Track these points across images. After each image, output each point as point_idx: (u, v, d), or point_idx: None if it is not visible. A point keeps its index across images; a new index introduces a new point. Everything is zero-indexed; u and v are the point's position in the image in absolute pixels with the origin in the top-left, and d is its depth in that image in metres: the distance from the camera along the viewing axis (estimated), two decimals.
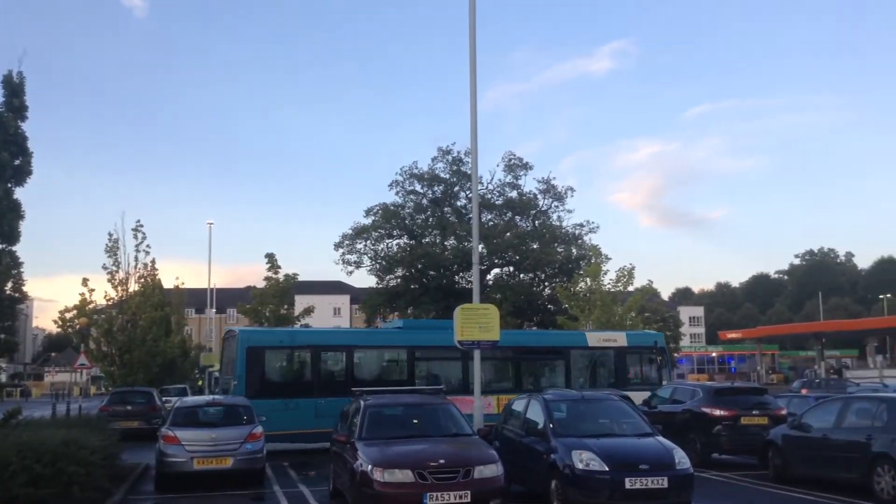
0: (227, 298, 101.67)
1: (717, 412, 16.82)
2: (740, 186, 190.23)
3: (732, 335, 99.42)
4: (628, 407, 12.94)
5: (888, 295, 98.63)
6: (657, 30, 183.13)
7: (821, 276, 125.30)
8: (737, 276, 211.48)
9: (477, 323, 16.95)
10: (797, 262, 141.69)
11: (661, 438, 11.66)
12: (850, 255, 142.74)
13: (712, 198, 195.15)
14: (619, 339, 25.71)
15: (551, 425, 11.86)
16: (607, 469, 10.60)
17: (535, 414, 12.58)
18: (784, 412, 16.82)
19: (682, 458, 10.94)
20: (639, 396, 19.46)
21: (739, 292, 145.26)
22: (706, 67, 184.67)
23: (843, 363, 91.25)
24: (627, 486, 10.46)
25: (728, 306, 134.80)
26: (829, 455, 13.57)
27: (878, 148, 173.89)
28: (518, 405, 13.72)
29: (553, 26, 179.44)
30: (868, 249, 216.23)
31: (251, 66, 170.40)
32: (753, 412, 16.86)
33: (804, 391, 34.35)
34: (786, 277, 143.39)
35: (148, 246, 34.38)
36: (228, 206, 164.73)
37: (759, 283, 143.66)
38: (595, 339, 25.66)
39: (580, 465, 10.74)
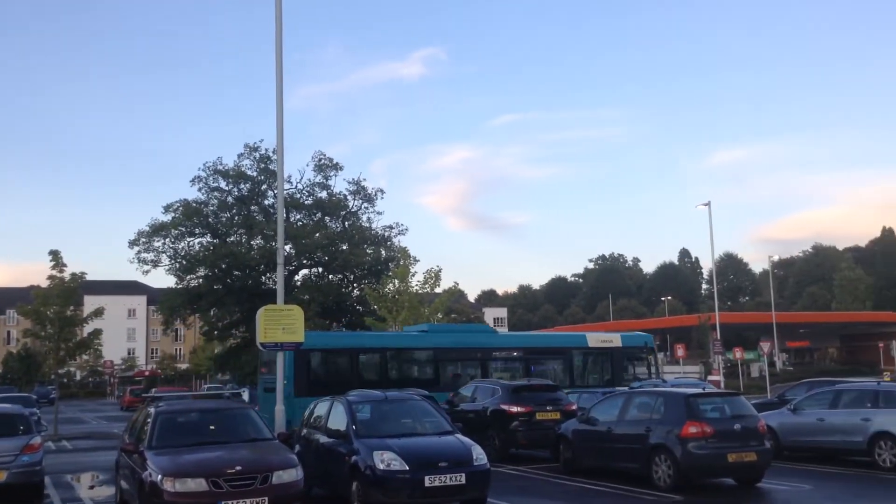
0: (6, 298, 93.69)
1: (515, 409, 17.52)
2: (542, 193, 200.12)
3: None
4: (430, 406, 13.13)
5: (669, 297, 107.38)
6: (467, 39, 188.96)
7: (611, 278, 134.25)
8: (538, 279, 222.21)
9: (280, 325, 16.54)
10: (591, 266, 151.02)
11: (460, 436, 11.93)
12: (636, 260, 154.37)
13: (517, 203, 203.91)
14: (615, 340, 27.78)
15: (354, 427, 11.81)
16: (408, 468, 10.71)
17: (338, 416, 12.47)
18: (574, 407, 17.77)
19: (479, 455, 11.25)
20: None
21: (540, 294, 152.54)
22: (511, 79, 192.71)
23: None
24: (427, 484, 10.63)
25: (529, 307, 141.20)
26: (613, 447, 14.49)
27: (661, 162, 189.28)
28: (321, 408, 13.54)
29: (366, 27, 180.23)
30: (653, 255, 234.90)
31: (46, 53, 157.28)
32: (547, 408, 17.71)
33: None
34: (581, 280, 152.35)
35: None
36: (8, 198, 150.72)
37: (558, 286, 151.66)
38: (594, 340, 27.73)
39: (381, 466, 10.78)
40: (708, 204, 47.21)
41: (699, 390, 15.01)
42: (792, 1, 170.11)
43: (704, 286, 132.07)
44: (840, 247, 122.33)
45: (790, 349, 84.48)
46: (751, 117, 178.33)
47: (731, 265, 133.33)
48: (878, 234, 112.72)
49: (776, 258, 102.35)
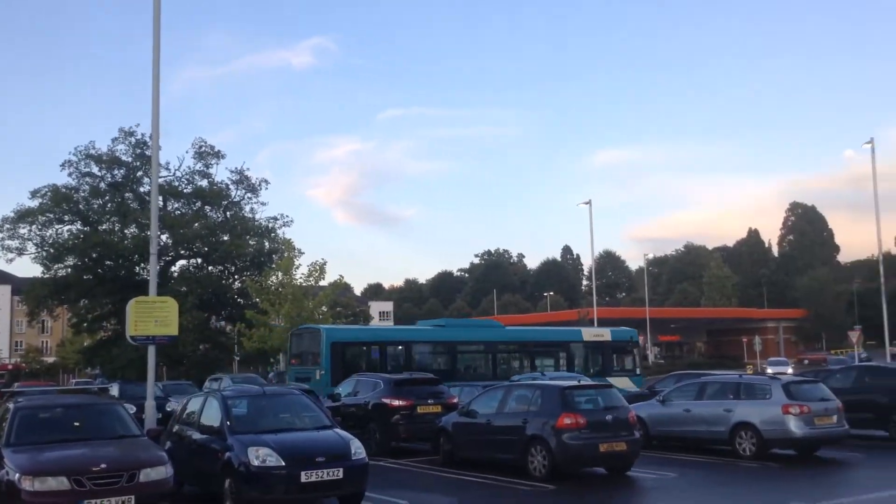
0: None
1: (396, 402, 17.50)
2: (429, 188, 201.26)
3: None
4: (309, 401, 12.93)
5: (552, 293, 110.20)
6: (357, 30, 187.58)
7: (496, 274, 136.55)
8: (424, 273, 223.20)
9: (153, 317, 15.91)
10: (477, 261, 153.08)
11: (339, 430, 11.81)
12: (521, 255, 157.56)
13: (404, 197, 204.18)
14: (605, 334, 30.73)
15: (228, 423, 11.48)
16: (284, 464, 10.51)
17: (212, 412, 12.10)
18: (455, 400, 17.93)
19: (358, 449, 11.16)
20: (619, 382, 23.03)
21: (426, 288, 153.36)
22: (401, 73, 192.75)
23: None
24: (303, 479, 10.46)
25: (415, 301, 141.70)
26: (491, 438, 14.72)
27: (546, 160, 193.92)
28: (194, 403, 13.10)
29: (255, 12, 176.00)
30: (536, 251, 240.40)
31: None
32: (429, 401, 17.78)
33: None
34: (467, 275, 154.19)
35: None
36: None
37: (444, 280, 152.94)
38: (588, 334, 30.81)
39: (256, 462, 10.54)
40: (589, 202, 48.76)
41: (574, 383, 15.40)
42: (674, 11, 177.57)
43: (585, 282, 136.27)
44: (710, 246, 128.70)
45: (662, 343, 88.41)
46: (632, 120, 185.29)
47: (609, 262, 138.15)
48: (744, 234, 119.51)
49: (651, 256, 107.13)
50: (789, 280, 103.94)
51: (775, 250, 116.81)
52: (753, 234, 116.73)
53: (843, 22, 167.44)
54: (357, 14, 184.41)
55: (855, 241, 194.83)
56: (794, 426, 15.42)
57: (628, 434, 13.92)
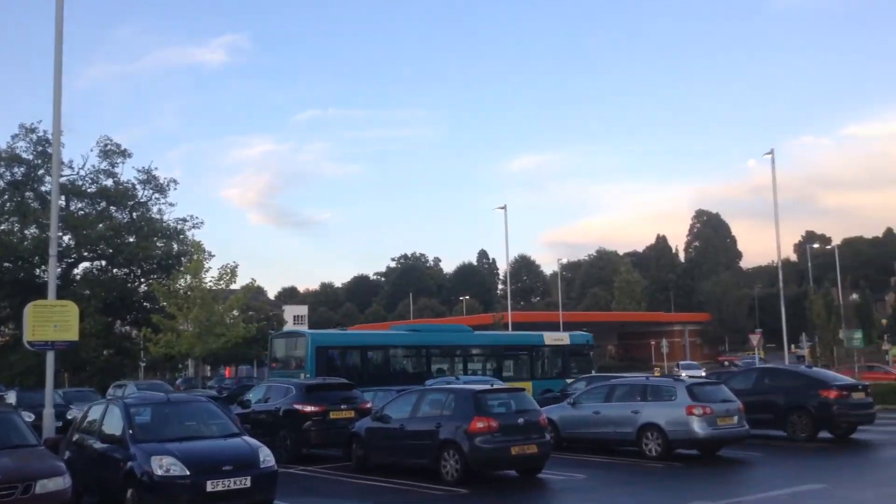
0: None
1: (308, 408, 17.23)
2: (346, 191, 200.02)
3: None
4: (217, 408, 12.62)
5: (468, 297, 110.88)
6: (271, 28, 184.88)
7: (413, 278, 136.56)
8: (340, 277, 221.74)
9: (52, 322, 15.23)
10: (393, 264, 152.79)
11: (247, 438, 11.57)
12: (437, 259, 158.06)
13: (321, 200, 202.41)
14: (565, 338, 33.10)
15: (130, 431, 11.14)
16: (188, 473, 10.27)
17: (114, 420, 11.72)
18: (369, 405, 17.78)
19: (266, 457, 10.96)
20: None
21: (342, 292, 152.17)
22: (316, 73, 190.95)
23: None
24: (209, 488, 10.24)
25: (331, 305, 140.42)
26: (404, 443, 14.66)
27: (463, 164, 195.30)
28: (95, 411, 12.64)
29: (165, 7, 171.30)
30: (453, 255, 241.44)
31: None
32: (342, 406, 17.57)
33: None
34: (383, 279, 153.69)
35: None
36: None
37: (360, 284, 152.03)
38: (549, 338, 32.76)
39: (159, 472, 10.28)
40: (504, 207, 49.17)
41: (487, 387, 15.50)
42: (590, 19, 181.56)
43: (500, 286, 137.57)
44: (621, 251, 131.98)
45: None
46: (548, 127, 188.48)
47: (524, 267, 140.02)
48: (653, 240, 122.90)
49: (565, 261, 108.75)
50: (695, 285, 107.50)
51: (682, 256, 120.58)
52: (661, 240, 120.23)
53: (748, 40, 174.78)
54: (272, 12, 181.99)
55: (756, 247, 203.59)
56: (698, 427, 15.91)
57: (539, 437, 14.09)
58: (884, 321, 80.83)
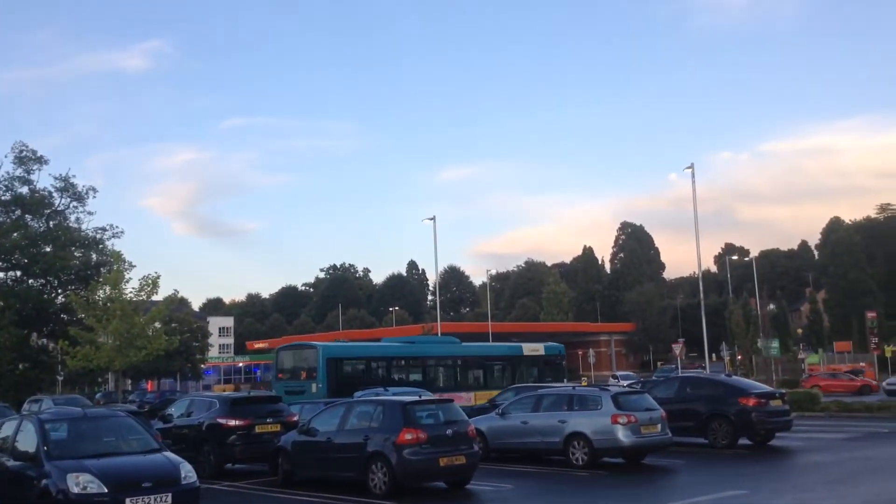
0: None
1: (232, 422, 16.83)
2: (274, 201, 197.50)
3: (259, 345, 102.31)
4: (136, 423, 12.22)
5: (397, 308, 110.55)
6: (196, 35, 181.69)
7: (342, 289, 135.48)
8: (267, 288, 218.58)
9: None
10: (322, 275, 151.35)
11: (168, 454, 11.26)
12: (367, 270, 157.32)
13: (247, 210, 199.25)
14: (540, 349, 35.01)
15: (45, 448, 10.72)
16: (106, 490, 9.95)
17: (28, 436, 11.27)
18: (296, 419, 17.48)
19: (188, 473, 10.69)
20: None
21: (269, 303, 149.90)
22: (241, 81, 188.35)
23: None
24: None
25: (258, 316, 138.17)
26: (332, 457, 14.46)
27: (392, 176, 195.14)
28: (8, 428, 12.10)
29: (84, 11, 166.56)
30: (383, 266, 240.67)
31: None
32: (267, 420, 17.23)
33: None
34: (311, 290, 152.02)
35: None
36: None
37: (288, 295, 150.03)
38: (527, 349, 34.90)
39: (76, 489, 9.92)
40: (433, 218, 49.29)
41: (415, 398, 15.42)
42: (519, 34, 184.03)
43: (430, 297, 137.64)
44: (549, 263, 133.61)
45: None
46: (477, 139, 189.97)
47: (454, 278, 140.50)
48: (579, 252, 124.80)
49: (494, 272, 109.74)
50: (620, 295, 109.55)
51: (608, 267, 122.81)
52: (588, 252, 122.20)
53: (670, 59, 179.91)
54: (196, 18, 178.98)
55: (679, 258, 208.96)
56: (623, 435, 16.16)
57: (468, 447, 14.09)
58: (799, 330, 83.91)
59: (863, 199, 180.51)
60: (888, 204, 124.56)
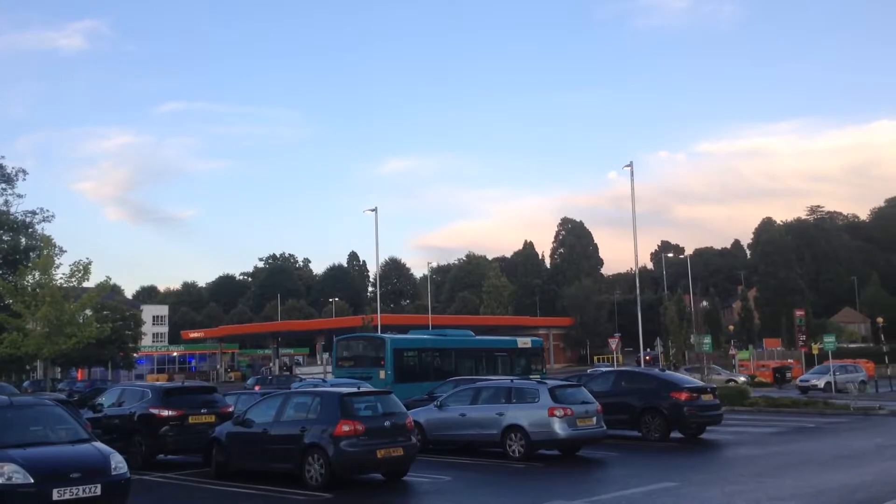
0: None
1: (165, 413, 16.51)
2: (212, 188, 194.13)
3: (195, 334, 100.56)
4: (65, 412, 11.87)
5: (337, 298, 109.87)
6: (134, 16, 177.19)
7: (281, 279, 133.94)
8: (204, 276, 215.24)
9: None
10: (261, 265, 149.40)
11: (97, 444, 10.99)
12: (307, 260, 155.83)
13: (184, 197, 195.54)
14: (527, 342, 38.92)
15: None
16: (32, 481, 9.66)
17: None
18: (231, 409, 17.22)
19: (118, 463, 10.45)
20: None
21: (205, 292, 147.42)
22: (180, 64, 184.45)
23: (296, 360, 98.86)
24: (55, 497, 9.67)
25: (194, 305, 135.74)
26: (268, 448, 14.28)
27: (334, 165, 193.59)
28: None
29: None
30: (323, 256, 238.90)
31: None
32: (202, 411, 16.94)
33: (257, 388, 36.16)
34: (250, 279, 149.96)
35: None
36: None
37: (225, 284, 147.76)
38: (520, 342, 38.72)
39: (0, 480, 9.53)
40: (375, 210, 49.10)
41: (354, 390, 15.34)
42: (464, 29, 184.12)
43: (370, 289, 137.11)
44: (489, 256, 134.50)
45: None
46: (419, 131, 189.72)
47: (395, 269, 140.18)
48: (520, 246, 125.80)
49: (435, 265, 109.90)
50: (559, 290, 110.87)
51: (548, 262, 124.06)
52: (529, 247, 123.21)
53: (612, 59, 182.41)
54: None
55: (616, 255, 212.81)
56: (559, 428, 16.37)
57: (405, 439, 14.07)
58: (731, 327, 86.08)
59: (794, 201, 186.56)
60: (818, 206, 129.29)
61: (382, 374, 30.34)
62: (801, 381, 41.92)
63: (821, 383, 40.01)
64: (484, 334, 45.86)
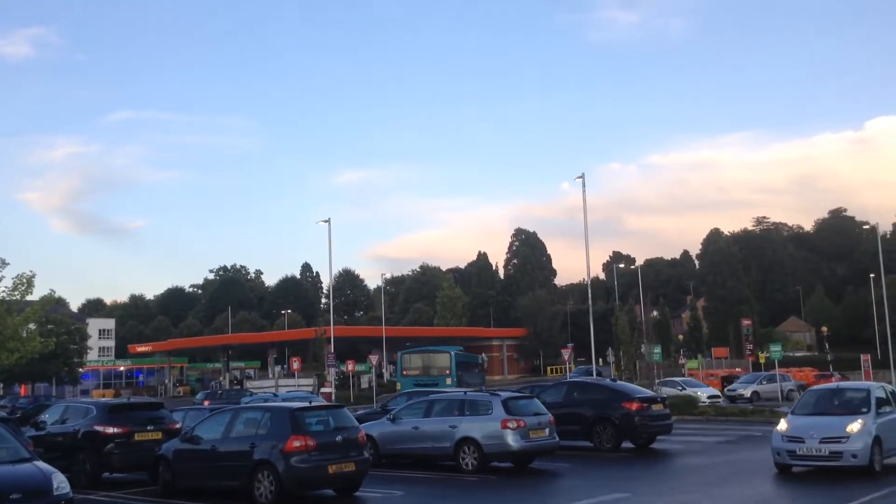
0: None
1: (111, 430, 16.07)
2: (161, 198, 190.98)
3: (143, 348, 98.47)
4: (4, 430, 11.50)
5: (289, 311, 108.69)
6: (82, 24, 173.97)
7: (232, 290, 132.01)
8: (153, 289, 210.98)
9: None
10: (211, 276, 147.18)
11: (39, 463, 10.66)
12: (259, 272, 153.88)
13: (132, 207, 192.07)
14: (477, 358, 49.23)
15: None
16: None
17: None
18: (178, 426, 16.87)
19: (60, 483, 10.16)
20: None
21: (154, 305, 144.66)
22: (129, 73, 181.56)
23: (247, 374, 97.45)
24: None
25: (141, 318, 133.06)
26: (216, 465, 14.02)
27: (287, 176, 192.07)
28: None
29: None
30: (276, 268, 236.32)
31: None
32: (148, 427, 16.55)
33: (206, 403, 35.46)
34: (200, 291, 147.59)
35: None
36: None
37: (174, 296, 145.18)
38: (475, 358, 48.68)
39: None
40: (328, 221, 48.72)
41: (305, 404, 15.15)
42: (421, 39, 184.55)
43: (324, 300, 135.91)
44: (444, 267, 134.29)
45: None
46: (372, 142, 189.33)
47: (348, 281, 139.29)
48: (474, 257, 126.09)
49: (388, 276, 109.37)
50: (513, 301, 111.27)
51: (501, 273, 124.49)
52: (482, 257, 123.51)
53: (564, 71, 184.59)
54: (83, 6, 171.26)
55: (569, 265, 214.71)
56: (512, 440, 16.37)
57: (358, 454, 13.94)
58: (680, 337, 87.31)
59: (741, 212, 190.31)
60: (764, 217, 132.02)
61: (449, 380, 39.94)
62: (728, 390, 42.45)
63: (747, 392, 40.57)
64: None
